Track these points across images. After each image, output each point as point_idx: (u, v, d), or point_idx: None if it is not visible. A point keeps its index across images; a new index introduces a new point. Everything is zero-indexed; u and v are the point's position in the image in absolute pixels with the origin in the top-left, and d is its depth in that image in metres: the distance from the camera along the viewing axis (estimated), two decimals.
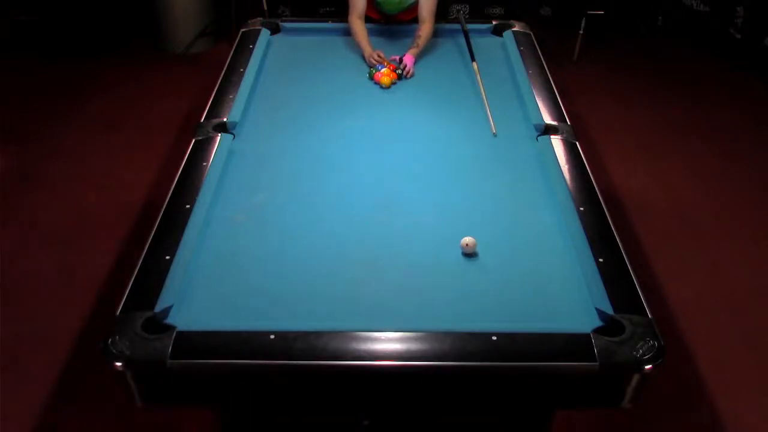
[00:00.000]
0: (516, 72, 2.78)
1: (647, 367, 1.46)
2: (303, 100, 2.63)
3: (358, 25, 3.00)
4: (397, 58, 2.83)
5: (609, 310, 1.60)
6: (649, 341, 1.50)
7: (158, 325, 1.55)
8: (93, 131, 3.93)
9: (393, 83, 2.72)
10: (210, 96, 2.53)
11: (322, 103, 2.61)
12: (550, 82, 2.69)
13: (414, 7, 3.08)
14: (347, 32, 3.06)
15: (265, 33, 3.06)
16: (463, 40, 2.98)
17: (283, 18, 3.68)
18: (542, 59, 2.89)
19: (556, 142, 2.27)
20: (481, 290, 1.73)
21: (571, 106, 2.74)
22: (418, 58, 2.87)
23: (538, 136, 2.35)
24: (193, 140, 2.26)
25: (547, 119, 2.42)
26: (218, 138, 2.26)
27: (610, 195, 3.33)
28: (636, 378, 1.49)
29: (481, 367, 1.49)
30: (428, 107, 2.61)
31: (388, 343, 1.50)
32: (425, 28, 2.97)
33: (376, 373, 1.51)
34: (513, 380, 1.56)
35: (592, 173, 2.12)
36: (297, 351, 1.48)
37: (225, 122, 2.37)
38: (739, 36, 4.85)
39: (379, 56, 2.81)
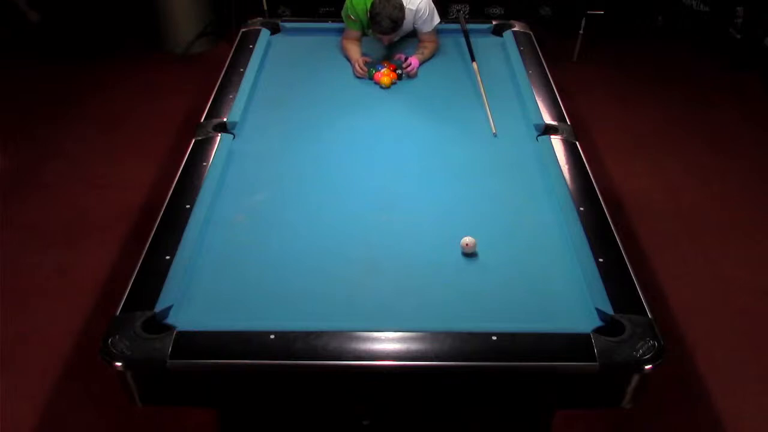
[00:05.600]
0: (516, 72, 2.78)
1: (647, 367, 1.46)
2: (303, 100, 2.63)
3: (349, 43, 2.94)
4: (402, 56, 2.83)
5: (609, 310, 1.60)
6: (649, 341, 1.50)
7: (158, 325, 1.55)
8: (93, 131, 3.92)
9: (393, 83, 2.72)
10: (210, 96, 2.53)
11: (322, 103, 2.61)
12: (550, 82, 2.69)
13: (407, 35, 3.02)
14: None
15: (265, 33, 3.06)
16: (463, 40, 2.98)
17: (283, 18, 3.67)
18: (542, 59, 2.89)
19: (556, 142, 2.27)
20: (481, 290, 1.73)
21: (570, 106, 2.73)
22: (421, 63, 2.85)
23: (538, 136, 2.35)
24: (193, 140, 2.26)
25: (547, 119, 2.42)
26: (218, 138, 2.26)
27: (610, 195, 3.32)
28: (636, 378, 1.49)
29: (481, 367, 1.49)
30: (428, 107, 2.61)
31: (388, 343, 1.50)
32: (430, 45, 2.95)
33: (375, 373, 1.51)
34: (513, 380, 1.56)
35: (592, 173, 2.12)
36: (297, 351, 1.48)
37: (225, 122, 2.37)
38: (739, 36, 4.84)
39: (366, 63, 2.76)
